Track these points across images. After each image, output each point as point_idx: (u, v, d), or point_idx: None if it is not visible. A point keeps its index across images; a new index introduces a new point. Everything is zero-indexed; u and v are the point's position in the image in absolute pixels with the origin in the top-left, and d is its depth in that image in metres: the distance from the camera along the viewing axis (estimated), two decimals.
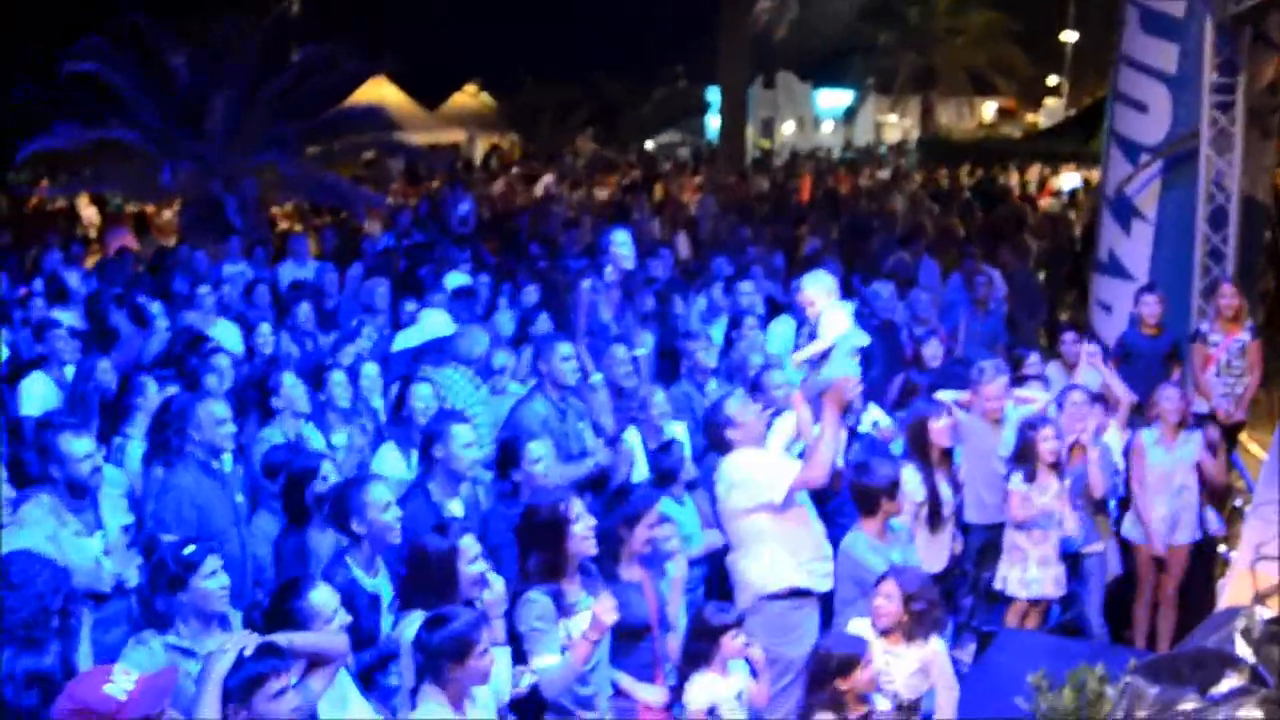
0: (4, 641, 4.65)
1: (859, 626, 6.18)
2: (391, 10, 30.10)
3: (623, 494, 6.45)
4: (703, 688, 6.03)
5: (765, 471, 7.06)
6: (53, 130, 17.91)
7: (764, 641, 6.84)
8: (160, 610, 5.22)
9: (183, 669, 4.98)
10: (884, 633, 6.11)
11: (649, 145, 41.63)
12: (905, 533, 7.22)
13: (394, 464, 7.67)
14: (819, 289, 8.43)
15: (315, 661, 4.85)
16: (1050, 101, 45.92)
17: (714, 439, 7.45)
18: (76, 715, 3.93)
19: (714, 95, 37.81)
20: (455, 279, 11.80)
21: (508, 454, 7.07)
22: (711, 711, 6.03)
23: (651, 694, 6.25)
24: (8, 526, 5.84)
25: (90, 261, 15.31)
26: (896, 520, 7.10)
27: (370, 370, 9.08)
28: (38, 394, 9.10)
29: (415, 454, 7.51)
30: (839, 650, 5.71)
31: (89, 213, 21.41)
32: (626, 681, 6.21)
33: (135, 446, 7.66)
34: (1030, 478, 8.09)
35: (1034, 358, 10.11)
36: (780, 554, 6.98)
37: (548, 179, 26.09)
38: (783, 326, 10.91)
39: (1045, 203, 24.84)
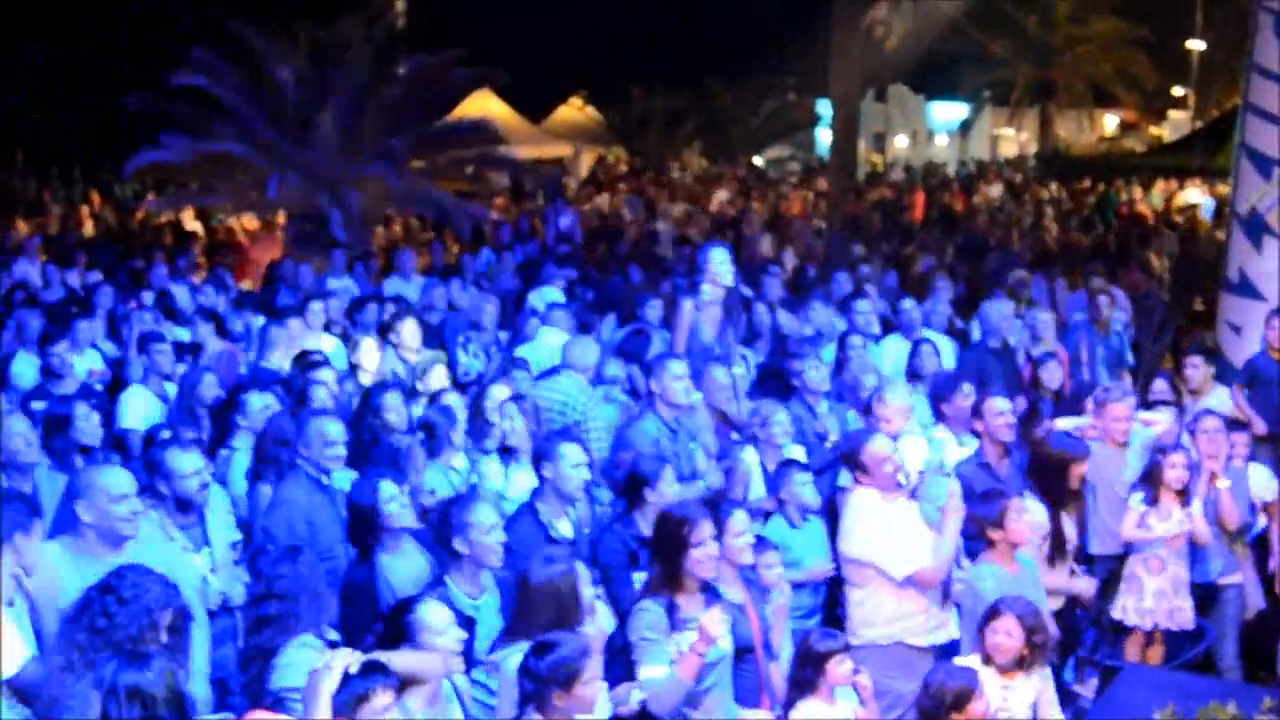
0: (111, 655, 4.58)
1: (970, 661, 5.96)
2: (498, 22, 30.19)
3: (710, 506, 6.31)
4: (808, 715, 5.86)
5: (889, 543, 6.84)
6: (161, 143, 18.14)
7: (874, 673, 6.66)
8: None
9: None
10: (1002, 667, 5.89)
11: (758, 159, 41.43)
12: (1033, 566, 6.93)
13: (495, 478, 7.64)
14: (897, 407, 8.12)
15: (411, 681, 4.83)
16: (1175, 114, 44.72)
17: (848, 466, 7.24)
18: None
19: (825, 108, 37.49)
20: (548, 295, 11.72)
21: (640, 477, 6.94)
22: None
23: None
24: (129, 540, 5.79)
25: (197, 275, 15.42)
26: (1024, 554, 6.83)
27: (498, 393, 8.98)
28: (138, 407, 9.14)
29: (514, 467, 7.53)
30: (952, 684, 5.50)
31: (195, 226, 21.65)
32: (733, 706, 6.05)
33: (239, 461, 7.63)
34: (1153, 502, 7.79)
35: (1161, 383, 9.76)
36: (890, 608, 6.82)
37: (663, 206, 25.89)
38: (895, 346, 10.67)
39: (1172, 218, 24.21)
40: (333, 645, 5.19)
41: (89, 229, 22.74)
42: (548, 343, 10.37)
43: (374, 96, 18.52)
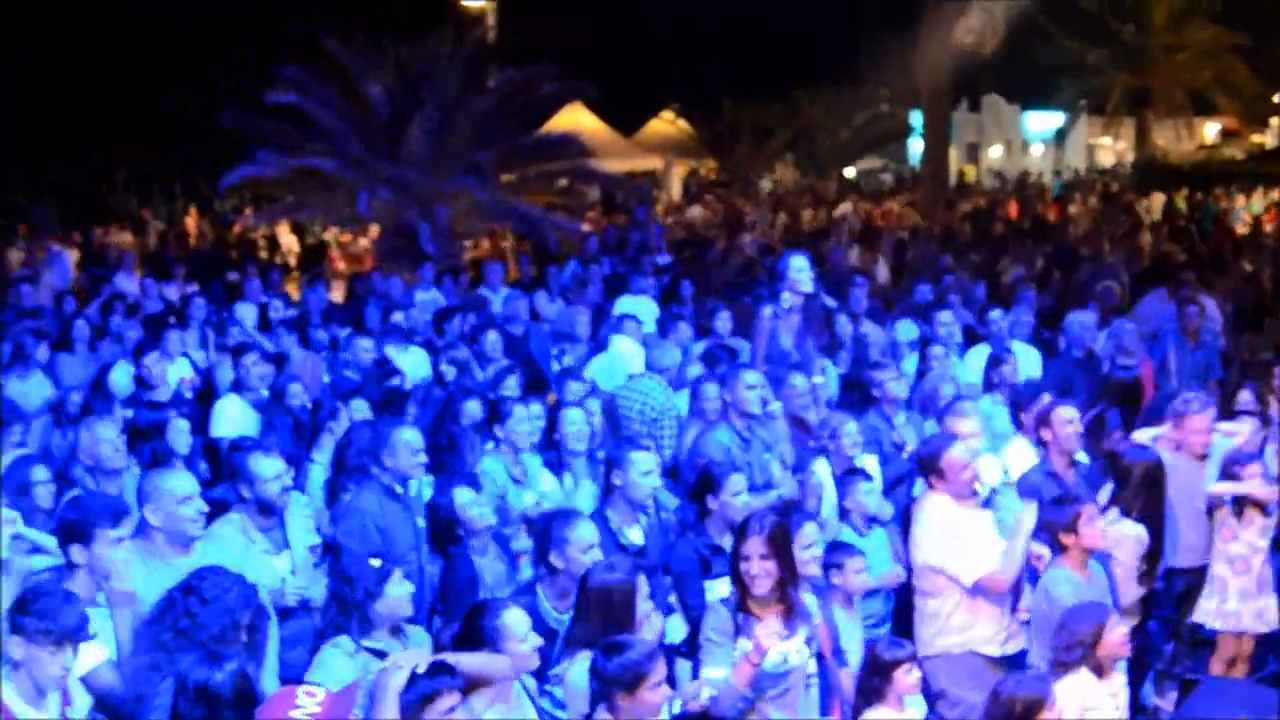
0: (194, 654, 4.70)
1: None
2: (589, 36, 30.35)
3: (782, 515, 6.30)
4: None
5: (960, 550, 6.83)
6: (255, 159, 18.50)
7: (944, 684, 6.68)
8: (358, 619, 5.37)
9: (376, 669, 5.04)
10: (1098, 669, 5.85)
11: (849, 171, 41.22)
12: (1101, 572, 6.87)
13: (547, 483, 7.75)
14: (971, 422, 8.06)
15: (478, 683, 4.88)
16: (1277, 121, 43.85)
17: (923, 472, 7.24)
18: None
19: (917, 119, 37.27)
20: (629, 305, 11.80)
21: (706, 481, 7.00)
22: None
23: None
24: (200, 542, 5.95)
25: (290, 288, 15.71)
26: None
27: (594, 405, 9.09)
28: (231, 416, 9.34)
29: (568, 477, 7.61)
30: (1023, 693, 5.44)
31: (288, 241, 22.04)
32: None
33: (320, 470, 7.79)
34: (1238, 514, 7.72)
35: (1246, 394, 9.61)
36: (960, 617, 6.82)
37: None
38: (978, 357, 10.61)
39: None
40: (373, 651, 5.27)
41: (187, 244, 23.22)
42: (620, 351, 10.46)
43: (463, 111, 18.73)
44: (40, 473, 7.19)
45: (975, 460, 7.23)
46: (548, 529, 6.13)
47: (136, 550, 5.79)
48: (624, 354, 10.44)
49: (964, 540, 6.84)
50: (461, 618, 5.61)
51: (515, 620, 5.16)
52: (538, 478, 7.93)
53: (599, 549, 6.12)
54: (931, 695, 6.88)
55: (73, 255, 19.48)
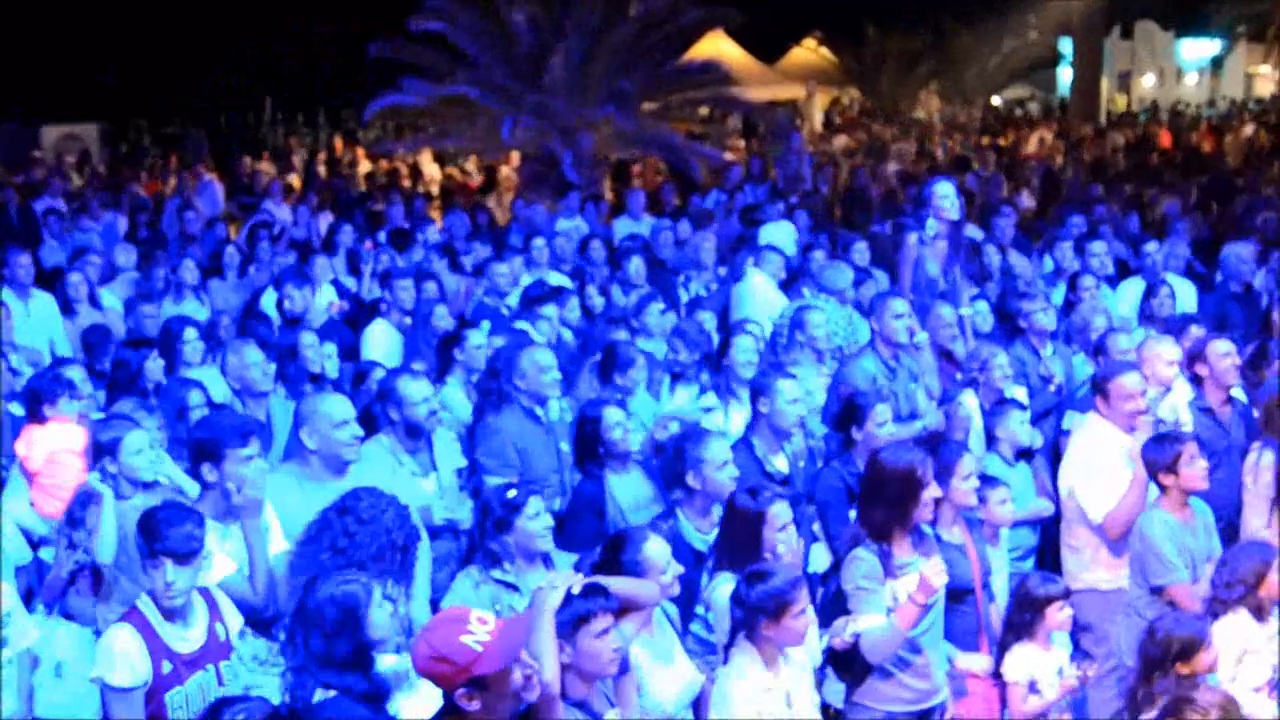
0: (350, 571, 4.76)
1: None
2: None
3: (933, 447, 6.17)
4: (1022, 660, 5.80)
5: (1101, 482, 6.68)
6: (401, 87, 18.63)
7: (1092, 619, 6.55)
8: (488, 549, 5.42)
9: (506, 603, 5.25)
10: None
11: (996, 100, 40.29)
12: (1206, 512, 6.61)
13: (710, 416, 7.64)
14: (1164, 351, 7.83)
15: (628, 607, 4.90)
16: None
17: (1089, 398, 7.10)
18: (434, 661, 3.94)
19: (1066, 46, 36.22)
20: (770, 234, 11.68)
21: (850, 411, 6.92)
22: (1031, 685, 5.79)
23: (975, 662, 6.03)
24: (352, 464, 6.03)
25: (432, 215, 15.83)
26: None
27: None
28: (380, 340, 9.46)
29: (734, 403, 7.52)
30: (1180, 632, 5.30)
31: (431, 169, 22.20)
32: (950, 649, 6.00)
33: (452, 393, 7.85)
34: None
35: None
36: (1103, 553, 6.66)
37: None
38: (1132, 289, 10.33)
39: None
40: (504, 584, 5.33)
41: (332, 172, 23.52)
42: (753, 284, 10.38)
43: (606, 39, 18.64)
44: (195, 396, 7.35)
45: (1146, 396, 7.05)
46: (681, 450, 6.10)
47: (292, 474, 5.92)
48: (755, 286, 10.34)
49: (1110, 473, 6.68)
50: (579, 540, 5.64)
51: (656, 551, 5.16)
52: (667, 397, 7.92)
53: (734, 466, 6.08)
54: (1076, 629, 6.78)
55: (221, 184, 19.82)
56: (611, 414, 6.63)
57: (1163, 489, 6.39)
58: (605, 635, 4.53)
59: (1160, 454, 6.38)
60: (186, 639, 4.96)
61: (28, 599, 6.79)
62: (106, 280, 11.58)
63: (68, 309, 10.39)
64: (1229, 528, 6.98)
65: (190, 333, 8.47)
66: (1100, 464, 6.77)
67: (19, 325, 10.06)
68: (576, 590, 4.59)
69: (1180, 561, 6.14)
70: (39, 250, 13.88)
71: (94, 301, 10.74)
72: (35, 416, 7.40)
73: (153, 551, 4.89)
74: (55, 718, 5.69)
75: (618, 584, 4.88)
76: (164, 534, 4.85)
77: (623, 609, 4.83)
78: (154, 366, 8.20)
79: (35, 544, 7.02)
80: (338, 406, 5.97)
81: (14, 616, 5.52)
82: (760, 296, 10.20)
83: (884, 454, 5.83)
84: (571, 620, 4.49)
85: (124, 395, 7.82)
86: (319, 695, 4.35)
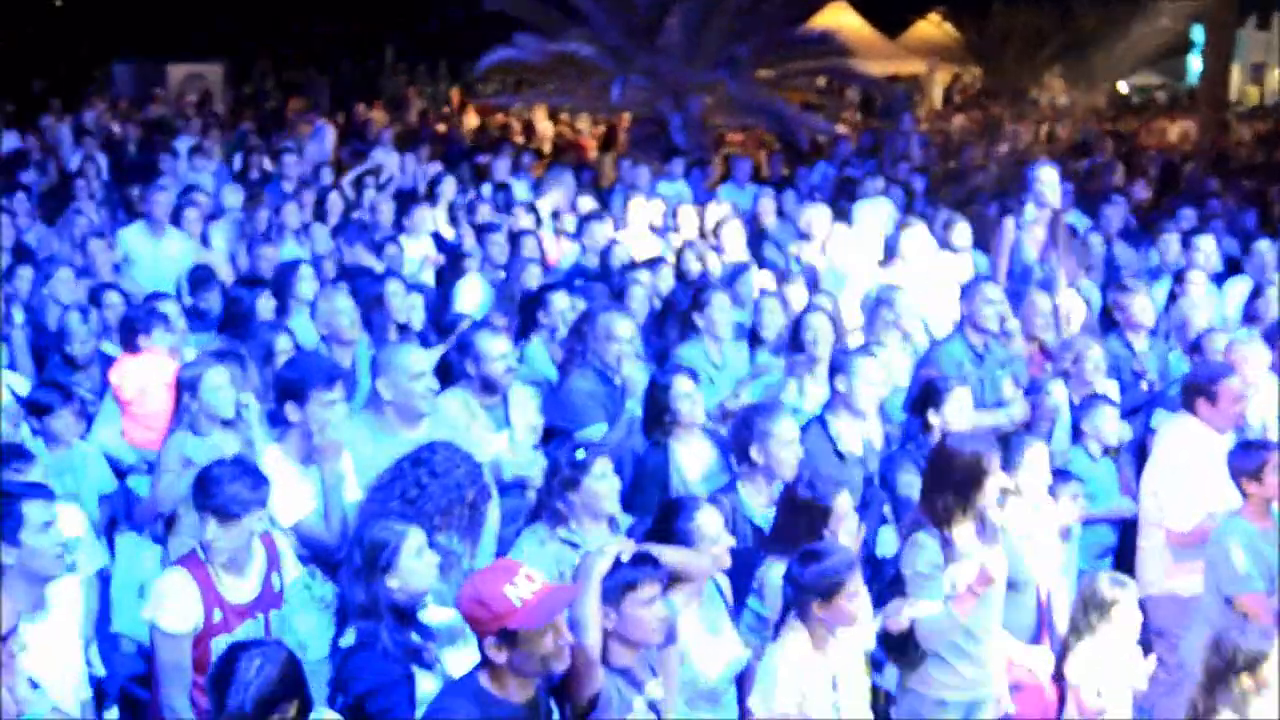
0: (418, 523, 4.83)
1: None
2: None
3: (1004, 440, 6.11)
4: (1085, 660, 5.71)
5: (1188, 485, 6.55)
6: (514, 42, 18.68)
7: (1168, 625, 6.44)
8: (554, 508, 5.43)
9: (569, 561, 5.23)
10: None
11: (1123, 86, 39.38)
12: None
13: (786, 392, 7.57)
14: (1254, 354, 7.63)
15: (678, 577, 4.89)
16: None
17: (1184, 397, 6.96)
18: (474, 604, 4.03)
19: (1198, 34, 35.27)
20: (865, 209, 11.55)
21: (929, 394, 6.85)
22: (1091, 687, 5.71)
23: (1034, 657, 5.95)
24: (426, 416, 6.09)
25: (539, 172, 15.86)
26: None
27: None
28: (472, 294, 9.52)
29: (808, 380, 7.47)
30: (1247, 645, 5.17)
31: (544, 126, 22.25)
32: (1008, 642, 5.92)
33: (536, 350, 7.89)
34: None
35: None
36: (1182, 559, 6.52)
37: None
38: (1239, 288, 10.07)
39: None
40: (569, 543, 5.33)
41: (445, 123, 23.67)
42: (832, 260, 10.32)
43: (723, 3, 18.49)
44: (284, 341, 7.46)
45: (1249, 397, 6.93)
46: (748, 421, 6.06)
47: (367, 424, 6.00)
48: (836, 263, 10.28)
49: (1196, 479, 6.54)
50: (642, 508, 5.64)
51: (708, 521, 5.15)
52: (739, 368, 7.87)
53: (801, 445, 6.04)
54: (1149, 632, 6.67)
55: (333, 130, 20.04)
56: (681, 383, 6.57)
57: (1245, 496, 6.25)
58: (652, 604, 4.52)
59: (1246, 460, 6.25)
60: (240, 588, 5.05)
61: (111, 526, 7.03)
62: (213, 219, 11.77)
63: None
64: None
65: (305, 270, 8.60)
66: (1191, 468, 6.64)
67: (151, 260, 10.31)
68: (626, 557, 4.59)
69: (1256, 571, 6.01)
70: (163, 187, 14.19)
71: (204, 240, 10.95)
72: (129, 347, 7.62)
73: (200, 506, 4.99)
74: (134, 633, 5.87)
75: (668, 553, 4.88)
76: (212, 491, 4.96)
77: (672, 579, 4.83)
78: (265, 305, 8.35)
79: (123, 473, 7.24)
80: (414, 358, 6.02)
81: (83, 542, 5.67)
82: (851, 271, 10.11)
83: (950, 440, 5.81)
84: (618, 587, 4.48)
85: (235, 333, 8.01)
86: (346, 638, 4.43)
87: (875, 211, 11.76)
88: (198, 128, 18.37)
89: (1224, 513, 6.35)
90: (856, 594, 4.93)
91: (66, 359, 7.91)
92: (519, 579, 4.02)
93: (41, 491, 4.79)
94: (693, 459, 6.55)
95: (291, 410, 5.67)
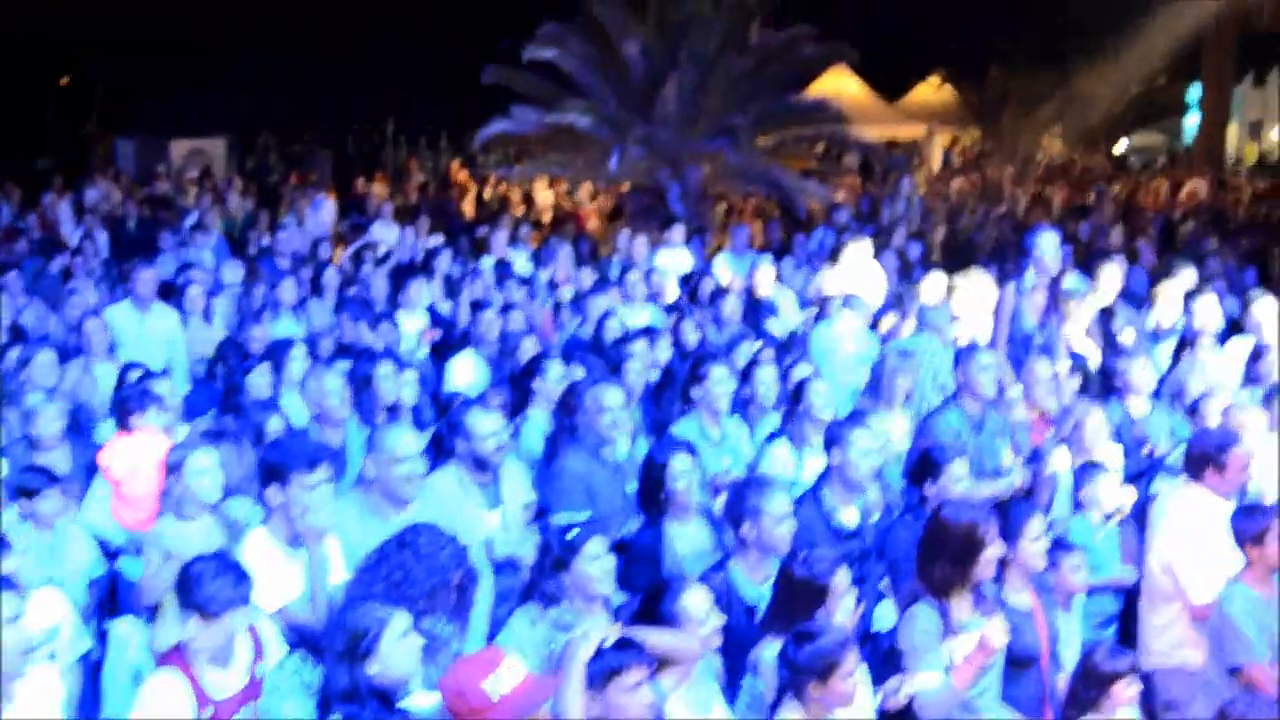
0: (403, 607, 4.77)
1: None
2: None
3: (1002, 510, 6.01)
4: None
5: (1204, 557, 6.44)
6: (510, 114, 18.78)
7: (1171, 696, 6.32)
8: (547, 588, 5.36)
9: (560, 643, 5.04)
10: None
11: (1121, 145, 39.53)
12: None
13: (783, 463, 7.48)
14: (1250, 420, 7.57)
15: (667, 661, 4.82)
16: None
17: (1189, 466, 6.87)
18: (453, 695, 3.97)
19: (1195, 92, 35.44)
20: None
21: (926, 465, 6.79)
22: None
23: None
24: (420, 496, 6.04)
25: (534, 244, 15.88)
26: None
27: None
28: (465, 371, 9.47)
29: (806, 454, 7.36)
30: (1252, 717, 5.08)
31: (544, 196, 22.33)
32: (1011, 716, 5.81)
33: (532, 426, 7.83)
34: None
35: None
36: (1194, 630, 6.41)
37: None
38: (1238, 348, 10.00)
39: None
40: (557, 623, 5.24)
41: (445, 196, 23.75)
42: (839, 325, 10.27)
43: (720, 71, 18.60)
44: (275, 421, 7.41)
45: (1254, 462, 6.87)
46: (741, 497, 5.99)
47: (354, 505, 5.94)
48: (835, 331, 10.24)
49: (1211, 550, 6.44)
50: (634, 587, 5.55)
51: (695, 602, 5.08)
52: (736, 442, 7.79)
53: (794, 520, 5.96)
54: (1158, 705, 6.55)
55: (333, 205, 20.11)
56: (679, 461, 6.50)
57: (1248, 562, 6.15)
58: (637, 690, 4.45)
59: (1249, 524, 6.16)
60: (226, 682, 4.99)
61: (101, 609, 6.94)
62: (213, 295, 11.75)
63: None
64: None
65: (297, 350, 8.57)
66: (1203, 538, 6.54)
67: (136, 337, 10.27)
68: (610, 642, 4.51)
69: (1261, 640, 5.91)
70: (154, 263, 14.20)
71: (207, 315, 10.92)
72: (123, 426, 7.57)
73: (183, 603, 4.92)
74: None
75: (654, 636, 4.81)
76: (193, 589, 4.90)
77: (660, 662, 4.75)
78: (257, 384, 8.30)
79: (112, 554, 7.16)
80: (399, 441, 5.98)
81: (64, 628, 5.60)
82: (839, 343, 10.08)
83: (946, 510, 5.75)
84: (603, 673, 4.41)
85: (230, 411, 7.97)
86: None
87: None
88: (206, 203, 18.41)
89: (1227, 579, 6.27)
90: (853, 673, 4.85)
91: (30, 440, 7.77)
92: (500, 670, 3.96)
93: (6, 583, 4.71)
94: (686, 539, 6.46)
95: (274, 493, 5.62)
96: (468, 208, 22.07)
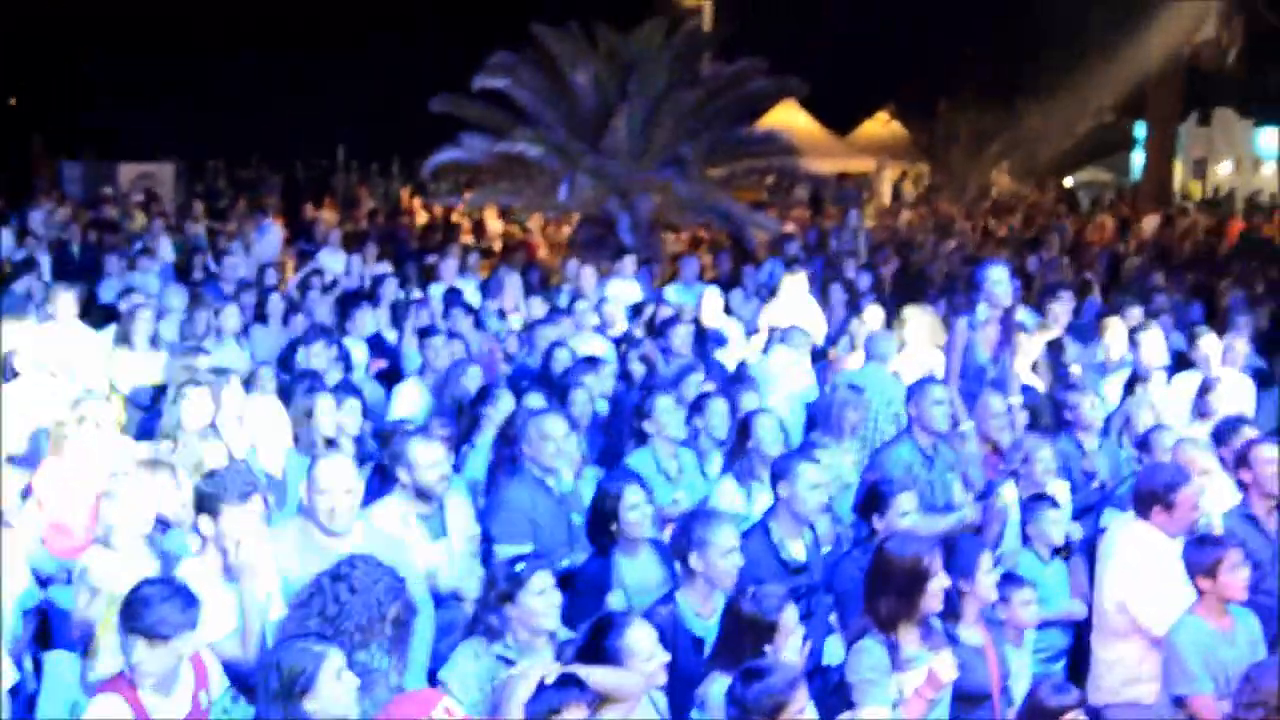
0: (338, 641, 4.66)
1: None
2: (806, 31, 29.86)
3: (950, 546, 5.97)
4: None
5: (1164, 594, 6.39)
6: (459, 142, 18.69)
7: None
8: (491, 622, 5.26)
9: (503, 679, 5.03)
10: None
11: (1069, 181, 39.92)
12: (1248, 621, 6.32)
13: (731, 498, 7.39)
14: (1199, 459, 7.58)
15: (609, 698, 4.73)
16: None
17: (1138, 503, 6.83)
18: None
19: (1141, 130, 35.86)
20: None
21: (874, 499, 6.74)
22: None
23: None
24: (358, 524, 5.91)
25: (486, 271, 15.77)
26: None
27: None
28: (409, 400, 9.34)
29: (755, 489, 7.27)
30: None
31: (494, 224, 22.24)
32: None
33: (478, 456, 7.71)
34: None
35: None
36: (1154, 665, 6.34)
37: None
38: (1185, 384, 10.03)
39: None
40: (501, 658, 5.14)
41: (394, 223, 23.61)
42: (776, 360, 10.22)
43: (669, 103, 18.57)
44: (215, 451, 7.25)
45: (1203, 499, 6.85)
46: (687, 530, 5.90)
47: (292, 535, 5.81)
48: (780, 363, 10.20)
49: (1166, 585, 6.40)
50: (581, 618, 5.45)
51: (639, 638, 4.98)
52: (690, 475, 7.71)
53: (740, 554, 5.88)
54: None
55: (281, 230, 19.92)
56: (632, 493, 6.42)
57: (1200, 594, 6.12)
58: None
59: (1201, 556, 6.12)
60: (168, 709, 4.84)
61: (38, 640, 6.76)
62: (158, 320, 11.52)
63: (126, 342, 10.36)
64: (1276, 642, 6.68)
65: (235, 380, 8.40)
66: (1154, 573, 6.51)
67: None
68: (550, 679, 4.40)
69: (1204, 673, 5.86)
70: (98, 287, 14.00)
71: (154, 341, 10.67)
72: (57, 450, 7.39)
73: (129, 628, 4.78)
74: None
75: (596, 674, 4.71)
76: (140, 613, 4.76)
77: (602, 700, 4.65)
78: (193, 412, 8.09)
79: (44, 582, 6.98)
80: (330, 471, 5.84)
81: None
82: (781, 377, 10.03)
83: (890, 544, 5.72)
84: (542, 713, 4.31)
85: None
86: None
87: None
88: (158, 227, 18.17)
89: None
90: (802, 711, 4.75)
91: None
92: (435, 712, 3.84)
93: None
94: (636, 571, 6.38)
95: (205, 524, 5.49)
96: (418, 234, 21.90)
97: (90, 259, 16.45)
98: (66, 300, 10.53)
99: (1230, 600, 6.09)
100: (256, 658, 5.23)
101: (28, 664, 6.37)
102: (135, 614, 4.76)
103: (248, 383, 8.95)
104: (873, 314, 11.27)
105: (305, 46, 32.77)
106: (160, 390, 9.41)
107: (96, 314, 12.39)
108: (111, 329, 10.77)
